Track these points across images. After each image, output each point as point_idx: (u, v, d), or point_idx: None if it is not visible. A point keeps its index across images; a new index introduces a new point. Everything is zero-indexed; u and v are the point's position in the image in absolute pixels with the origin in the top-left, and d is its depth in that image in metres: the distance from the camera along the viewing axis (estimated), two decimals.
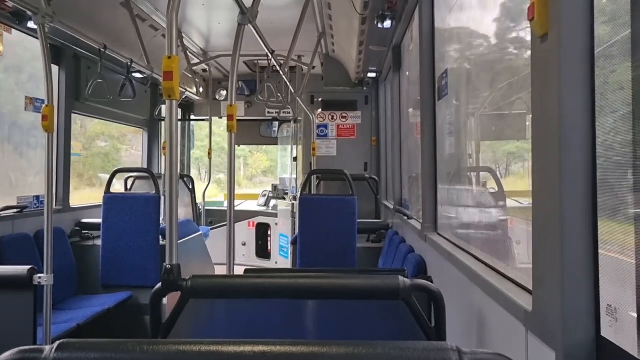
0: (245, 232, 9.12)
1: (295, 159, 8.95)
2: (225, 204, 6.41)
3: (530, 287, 1.71)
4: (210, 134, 9.54)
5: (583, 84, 1.44)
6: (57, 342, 0.99)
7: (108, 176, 6.10)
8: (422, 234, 3.79)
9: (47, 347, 0.97)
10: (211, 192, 10.21)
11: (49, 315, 3.64)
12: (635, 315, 1.33)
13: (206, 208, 9.36)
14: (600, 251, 1.42)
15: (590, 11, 1.44)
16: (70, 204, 5.99)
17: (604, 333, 1.41)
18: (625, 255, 1.37)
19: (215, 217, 9.30)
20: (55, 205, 5.48)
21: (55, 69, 5.67)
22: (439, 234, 3.62)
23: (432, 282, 1.88)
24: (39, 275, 3.45)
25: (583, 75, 1.44)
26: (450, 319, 1.79)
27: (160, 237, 5.80)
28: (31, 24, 4.39)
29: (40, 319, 3.45)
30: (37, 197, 5.40)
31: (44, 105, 3.73)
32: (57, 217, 4.73)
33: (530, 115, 1.71)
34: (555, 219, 1.47)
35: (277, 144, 10.46)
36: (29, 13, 3.69)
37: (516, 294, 1.88)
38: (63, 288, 5.22)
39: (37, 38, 3.72)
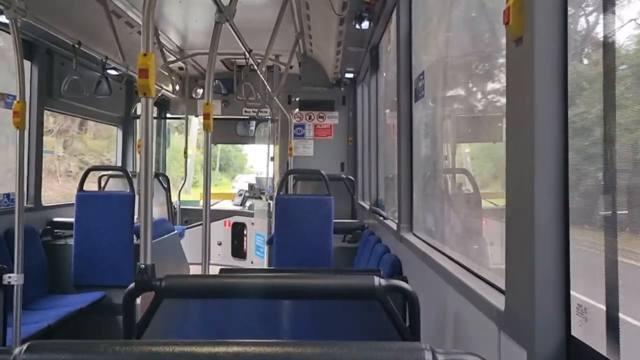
0: (221, 232, 9.06)
1: (272, 159, 8.93)
2: (201, 203, 6.36)
3: (504, 287, 1.74)
4: (187, 132, 9.46)
5: (556, 87, 1.46)
6: (27, 343, 0.97)
7: None
8: (397, 235, 3.81)
9: (17, 349, 0.95)
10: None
11: (19, 316, 3.57)
12: (604, 315, 1.36)
13: (181, 207, 9.28)
14: (571, 253, 1.45)
15: (563, 15, 1.46)
16: (42, 203, 5.88)
17: (574, 332, 1.43)
18: (595, 256, 1.40)
19: (190, 217, 9.22)
20: (27, 204, 5.38)
21: (27, 64, 5.55)
22: (414, 235, 3.64)
23: (407, 282, 1.89)
24: (9, 274, 3.40)
25: (556, 78, 1.46)
26: (425, 318, 1.80)
27: (135, 236, 5.72)
28: (2, 18, 4.30)
29: (10, 319, 3.39)
30: (8, 195, 5.28)
31: (15, 102, 3.66)
32: (28, 216, 4.63)
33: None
34: (527, 220, 1.49)
35: (254, 144, 10.42)
36: (0, 7, 3.61)
37: (489, 294, 1.91)
38: (34, 288, 5.12)
39: (9, 33, 3.65)
